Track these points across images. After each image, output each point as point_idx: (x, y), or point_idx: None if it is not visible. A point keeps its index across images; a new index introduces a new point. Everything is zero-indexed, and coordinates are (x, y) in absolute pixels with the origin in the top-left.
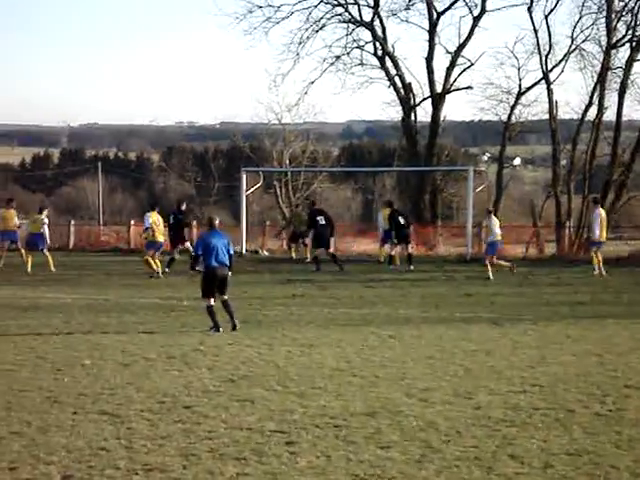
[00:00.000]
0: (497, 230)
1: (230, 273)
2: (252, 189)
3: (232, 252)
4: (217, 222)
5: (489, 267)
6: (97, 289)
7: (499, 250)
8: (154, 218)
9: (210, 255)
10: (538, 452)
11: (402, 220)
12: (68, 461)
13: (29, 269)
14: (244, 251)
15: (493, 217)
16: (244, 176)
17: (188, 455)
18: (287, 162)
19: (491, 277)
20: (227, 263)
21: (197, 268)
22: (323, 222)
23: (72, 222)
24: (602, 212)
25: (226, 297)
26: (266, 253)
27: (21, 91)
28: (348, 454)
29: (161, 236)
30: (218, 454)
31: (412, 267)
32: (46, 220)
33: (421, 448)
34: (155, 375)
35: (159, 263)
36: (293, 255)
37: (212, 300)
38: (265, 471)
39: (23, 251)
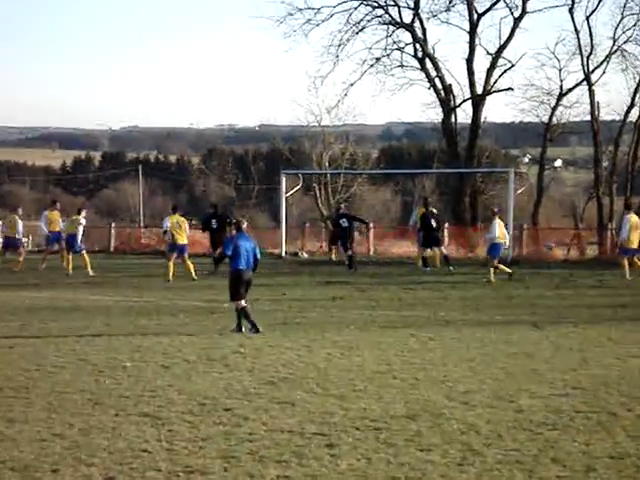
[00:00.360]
0: (497, 233)
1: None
2: (292, 191)
3: (258, 256)
4: (245, 225)
5: (492, 270)
6: (138, 291)
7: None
8: (174, 221)
9: (239, 258)
10: (580, 455)
11: (434, 223)
12: (109, 463)
13: (70, 271)
14: (284, 253)
15: (497, 219)
16: (284, 178)
17: (228, 457)
18: (326, 164)
19: (492, 280)
20: (252, 267)
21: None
22: (345, 224)
23: (113, 225)
24: (633, 217)
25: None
26: (306, 255)
27: (62, 95)
28: (388, 457)
29: (182, 238)
30: (258, 456)
31: (452, 268)
32: (83, 221)
33: (462, 451)
34: (196, 377)
35: (191, 267)
36: (333, 257)
37: (243, 301)
38: (305, 474)
39: (64, 253)
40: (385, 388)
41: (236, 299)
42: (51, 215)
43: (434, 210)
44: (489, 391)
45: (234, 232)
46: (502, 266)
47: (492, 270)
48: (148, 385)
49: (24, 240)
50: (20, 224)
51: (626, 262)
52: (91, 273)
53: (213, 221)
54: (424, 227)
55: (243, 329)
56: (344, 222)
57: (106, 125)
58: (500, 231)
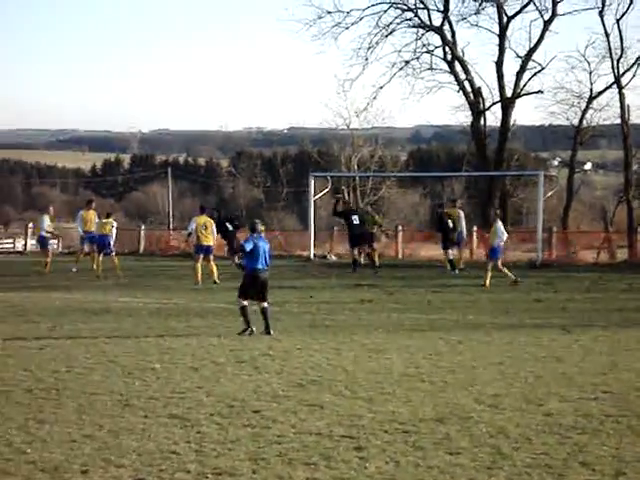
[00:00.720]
0: (502, 235)
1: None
2: (320, 194)
3: (270, 260)
4: (261, 227)
5: (489, 274)
6: (167, 293)
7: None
8: (200, 222)
9: (257, 258)
10: (610, 460)
11: (450, 224)
12: (139, 464)
13: (100, 273)
14: (312, 256)
15: (499, 221)
16: (312, 181)
17: (257, 459)
18: (355, 167)
19: (487, 284)
20: (267, 268)
21: (239, 262)
22: (357, 222)
23: (142, 227)
24: None
25: (266, 304)
26: (334, 258)
27: (93, 98)
28: (417, 460)
29: (209, 240)
30: (287, 459)
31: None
32: (115, 224)
33: (491, 455)
34: (224, 379)
35: (214, 269)
36: (361, 260)
37: (246, 301)
38: (334, 476)
39: (95, 255)
40: (413, 391)
41: (242, 297)
42: (86, 215)
43: (454, 210)
44: (518, 394)
45: (250, 233)
46: (506, 270)
47: (489, 275)
48: (177, 387)
49: (52, 241)
50: (45, 221)
51: None
52: (121, 275)
53: (227, 225)
54: (441, 229)
55: (272, 331)
56: (355, 219)
57: (136, 128)
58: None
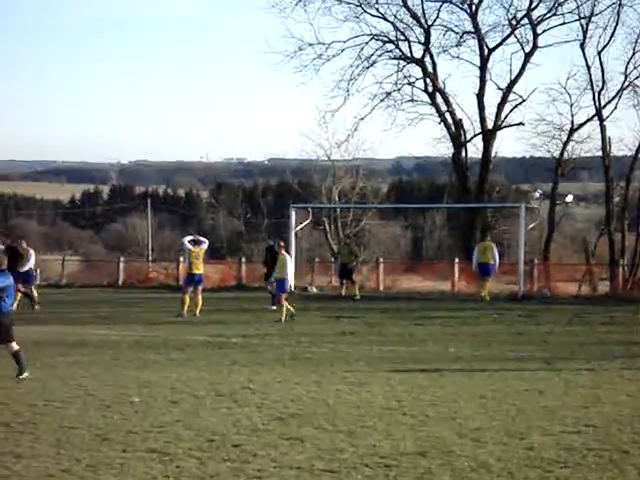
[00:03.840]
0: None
1: None
2: (301, 225)
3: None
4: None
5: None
6: (146, 326)
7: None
8: (195, 250)
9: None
10: None
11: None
12: None
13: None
14: (292, 287)
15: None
16: (293, 212)
17: None
18: (336, 198)
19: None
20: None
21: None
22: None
23: (121, 258)
24: None
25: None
26: (315, 290)
27: (70, 128)
28: None
29: (199, 269)
30: None
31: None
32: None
33: None
34: (204, 413)
35: (200, 302)
36: (342, 292)
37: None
38: None
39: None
40: (395, 425)
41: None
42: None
43: (488, 243)
44: (500, 428)
45: None
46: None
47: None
48: (156, 421)
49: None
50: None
51: None
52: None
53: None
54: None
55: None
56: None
57: (115, 159)
58: None
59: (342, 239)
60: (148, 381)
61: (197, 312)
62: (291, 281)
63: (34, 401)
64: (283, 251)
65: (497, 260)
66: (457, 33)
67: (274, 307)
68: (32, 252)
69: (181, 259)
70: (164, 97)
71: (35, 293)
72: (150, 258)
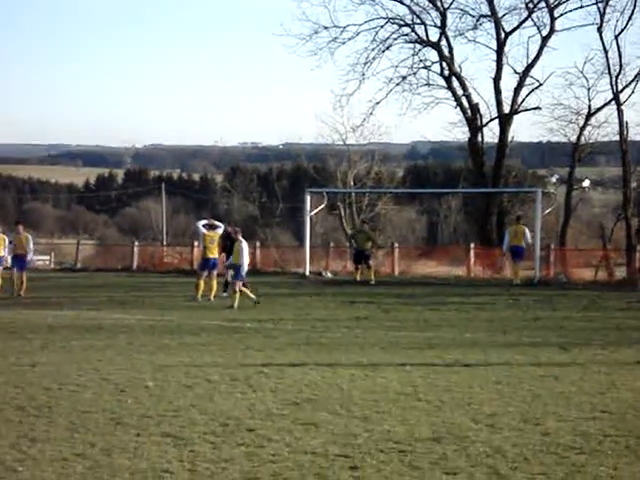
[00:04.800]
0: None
1: None
2: (316, 210)
3: None
4: None
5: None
6: (160, 310)
7: None
8: (210, 234)
9: None
10: None
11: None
12: None
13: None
14: (307, 272)
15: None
16: (308, 197)
17: (251, 479)
18: (351, 183)
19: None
20: None
21: None
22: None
23: (135, 243)
24: None
25: None
26: (330, 274)
27: (86, 112)
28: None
29: (214, 253)
30: (282, 478)
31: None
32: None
33: (488, 474)
34: (218, 397)
35: (214, 286)
36: (357, 277)
37: None
38: None
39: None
40: (409, 410)
41: None
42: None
43: (520, 226)
44: (515, 414)
45: None
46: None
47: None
48: (170, 405)
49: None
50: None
51: None
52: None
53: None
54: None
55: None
56: None
57: (130, 143)
58: None
59: (356, 224)
60: (162, 365)
61: (211, 297)
62: (246, 268)
63: (49, 385)
64: (240, 237)
65: (529, 243)
66: (473, 16)
67: (226, 293)
68: (30, 237)
69: (195, 243)
70: (179, 81)
71: (24, 279)
72: (164, 242)
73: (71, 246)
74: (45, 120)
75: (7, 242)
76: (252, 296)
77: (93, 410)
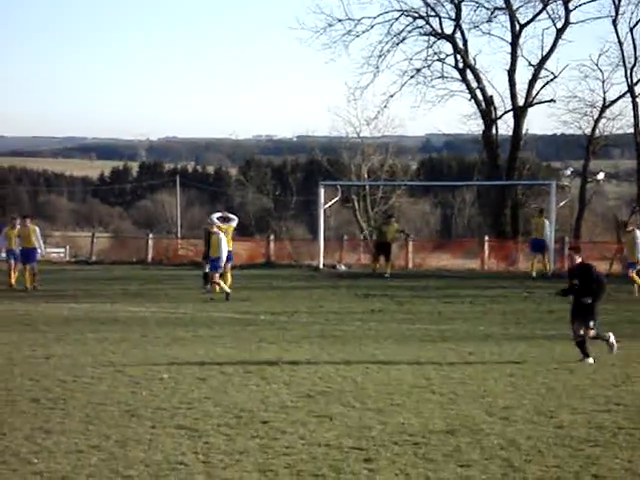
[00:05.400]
0: None
1: None
2: (330, 203)
3: None
4: None
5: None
6: (174, 303)
7: None
8: (224, 227)
9: None
10: (622, 472)
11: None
12: (146, 475)
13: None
14: (321, 265)
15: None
16: (322, 190)
17: (265, 471)
18: (365, 176)
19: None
20: None
21: None
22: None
23: (150, 235)
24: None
25: None
26: (343, 267)
27: (101, 105)
28: (427, 472)
29: (229, 246)
30: (295, 470)
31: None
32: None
33: (502, 467)
34: (232, 389)
35: (230, 279)
36: (375, 268)
37: None
38: None
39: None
40: (424, 402)
41: None
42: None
43: (540, 219)
44: (529, 406)
45: None
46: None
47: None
48: (185, 397)
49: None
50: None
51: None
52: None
53: None
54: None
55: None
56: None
57: (144, 135)
58: None
59: (382, 216)
60: (177, 358)
61: (227, 289)
62: (224, 259)
63: (63, 377)
64: (215, 229)
65: (548, 236)
66: (488, 9)
67: (208, 286)
68: (37, 229)
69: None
70: (193, 74)
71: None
72: (179, 235)
73: (86, 239)
74: (60, 113)
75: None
76: (226, 289)
77: (108, 402)
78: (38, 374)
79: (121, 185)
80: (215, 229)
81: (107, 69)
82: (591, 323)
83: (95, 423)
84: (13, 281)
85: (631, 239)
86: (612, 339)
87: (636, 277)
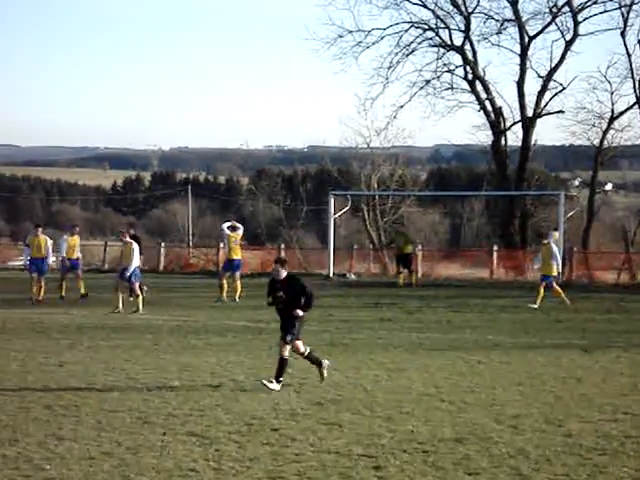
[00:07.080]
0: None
1: None
2: (340, 213)
3: None
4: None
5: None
6: (186, 311)
7: None
8: (233, 235)
9: None
10: None
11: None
12: None
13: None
14: (331, 274)
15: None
16: (332, 199)
17: (276, 478)
18: (375, 186)
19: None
20: None
21: None
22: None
23: (162, 244)
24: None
25: None
26: (353, 276)
27: (114, 115)
28: None
29: (238, 254)
30: (305, 477)
31: None
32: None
33: (510, 475)
34: (243, 397)
35: (239, 287)
36: (401, 281)
37: None
38: None
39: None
40: (433, 411)
41: None
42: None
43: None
44: (538, 415)
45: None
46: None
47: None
48: (196, 404)
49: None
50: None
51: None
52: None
53: None
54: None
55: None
56: None
57: (156, 145)
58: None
59: (397, 226)
60: (188, 365)
61: (236, 297)
62: (135, 269)
63: (76, 384)
64: (127, 238)
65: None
66: (497, 21)
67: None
68: (48, 239)
69: (221, 245)
70: (205, 84)
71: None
72: (191, 244)
73: (99, 247)
74: (74, 124)
75: None
76: (121, 298)
77: (120, 409)
78: (51, 381)
79: (134, 194)
80: (127, 238)
81: (121, 81)
82: (288, 337)
83: (107, 430)
84: (63, 292)
85: None
86: (325, 364)
87: None
